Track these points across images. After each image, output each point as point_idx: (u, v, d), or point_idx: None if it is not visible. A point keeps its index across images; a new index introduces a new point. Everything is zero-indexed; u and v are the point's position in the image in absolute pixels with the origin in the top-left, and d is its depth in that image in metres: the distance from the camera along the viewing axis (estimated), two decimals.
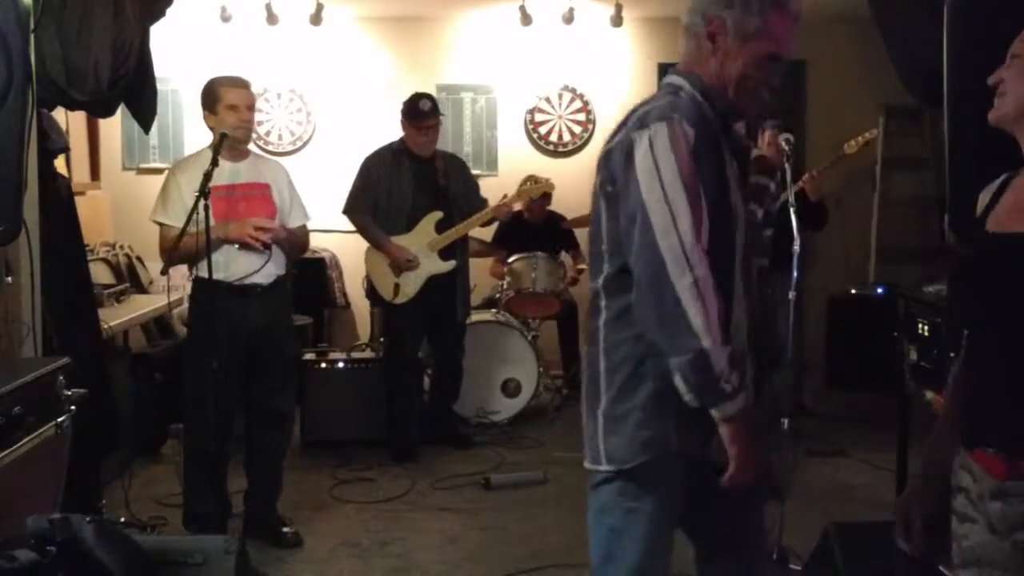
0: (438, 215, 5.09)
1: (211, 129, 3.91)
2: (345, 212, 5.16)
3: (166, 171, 4.12)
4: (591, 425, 2.07)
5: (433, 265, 5.09)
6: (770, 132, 5.28)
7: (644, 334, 1.92)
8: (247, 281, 3.78)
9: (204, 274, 3.74)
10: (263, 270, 3.81)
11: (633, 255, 1.91)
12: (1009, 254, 1.72)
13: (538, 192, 5.39)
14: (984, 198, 1.88)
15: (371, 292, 5.30)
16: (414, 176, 5.09)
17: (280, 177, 4.02)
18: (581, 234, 5.93)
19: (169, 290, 4.66)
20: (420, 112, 5.05)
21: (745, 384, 1.90)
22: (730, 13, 2.00)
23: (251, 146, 4.12)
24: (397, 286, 5.07)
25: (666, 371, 1.89)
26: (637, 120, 1.97)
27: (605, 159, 2.03)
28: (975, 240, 1.83)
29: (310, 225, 4.16)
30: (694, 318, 1.83)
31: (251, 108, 3.87)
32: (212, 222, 3.60)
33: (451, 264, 5.11)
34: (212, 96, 3.85)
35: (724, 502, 2.03)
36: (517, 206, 5.61)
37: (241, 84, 3.88)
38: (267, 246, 3.80)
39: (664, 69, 7.08)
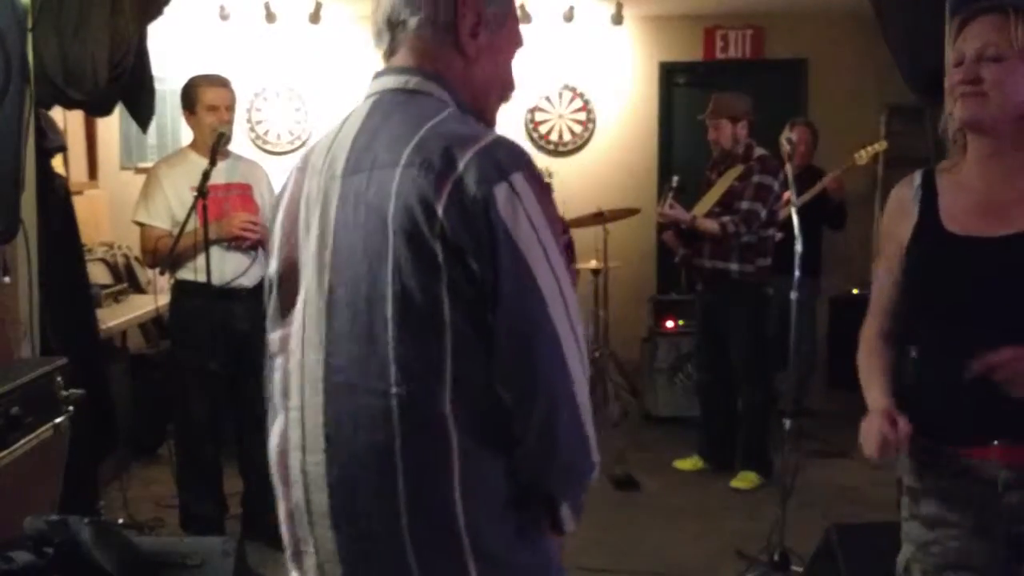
0: None
1: (192, 129, 3.88)
2: None
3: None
4: None
5: None
6: (799, 129, 5.33)
7: None
8: (234, 284, 3.76)
9: (188, 276, 3.73)
10: (249, 272, 3.79)
11: None
12: (988, 256, 1.77)
13: None
14: (906, 194, 1.93)
15: None
16: None
17: (260, 178, 4.00)
18: (580, 233, 5.91)
19: (156, 291, 4.56)
20: None
21: None
22: None
23: (250, 145, 4.11)
24: None
25: None
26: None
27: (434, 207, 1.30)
28: (933, 237, 1.86)
29: None
30: None
31: (230, 108, 3.84)
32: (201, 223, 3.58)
33: None
34: (191, 96, 3.82)
35: None
36: None
37: (220, 83, 3.84)
38: (255, 246, 3.79)
39: (666, 68, 7.12)
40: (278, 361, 1.48)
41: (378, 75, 1.48)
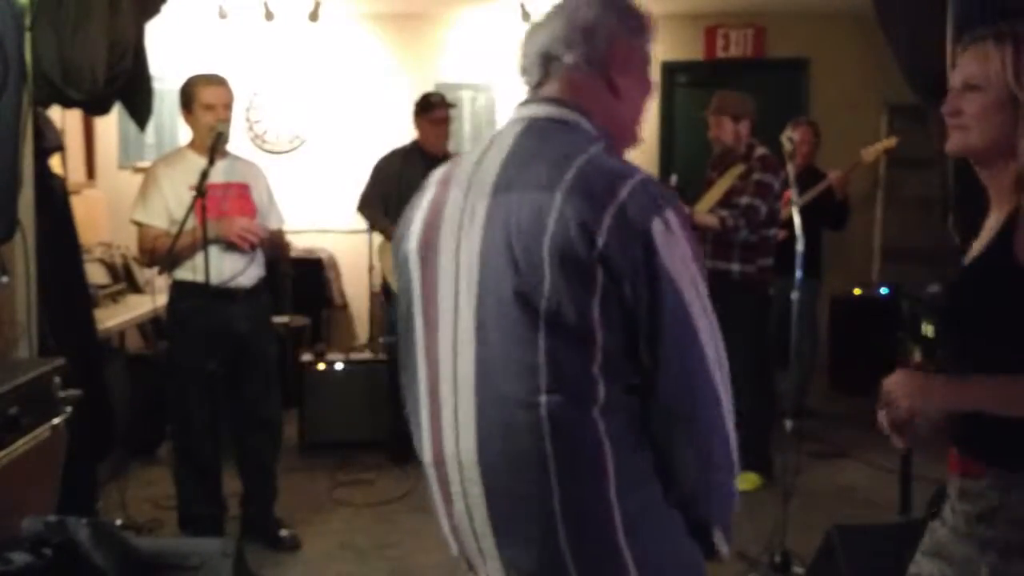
0: None
1: (190, 127, 3.87)
2: (358, 209, 5.29)
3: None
4: None
5: None
6: (802, 128, 5.31)
7: None
8: (231, 284, 3.75)
9: (187, 276, 3.72)
10: (247, 272, 3.78)
11: None
12: (966, 284, 1.82)
13: None
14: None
15: (385, 288, 5.31)
16: (424, 173, 5.07)
17: (259, 178, 3.99)
18: None
19: (154, 292, 4.55)
20: (431, 103, 5.10)
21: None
22: (624, 29, 1.54)
23: (249, 145, 4.09)
24: None
25: None
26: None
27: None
28: (954, 273, 1.91)
29: (308, 224, 4.14)
30: None
31: (228, 106, 3.82)
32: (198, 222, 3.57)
33: None
34: (188, 95, 3.81)
35: None
36: None
37: (217, 82, 3.83)
38: (252, 247, 3.78)
39: (667, 67, 7.09)
40: (423, 370, 1.53)
41: (526, 102, 1.55)
